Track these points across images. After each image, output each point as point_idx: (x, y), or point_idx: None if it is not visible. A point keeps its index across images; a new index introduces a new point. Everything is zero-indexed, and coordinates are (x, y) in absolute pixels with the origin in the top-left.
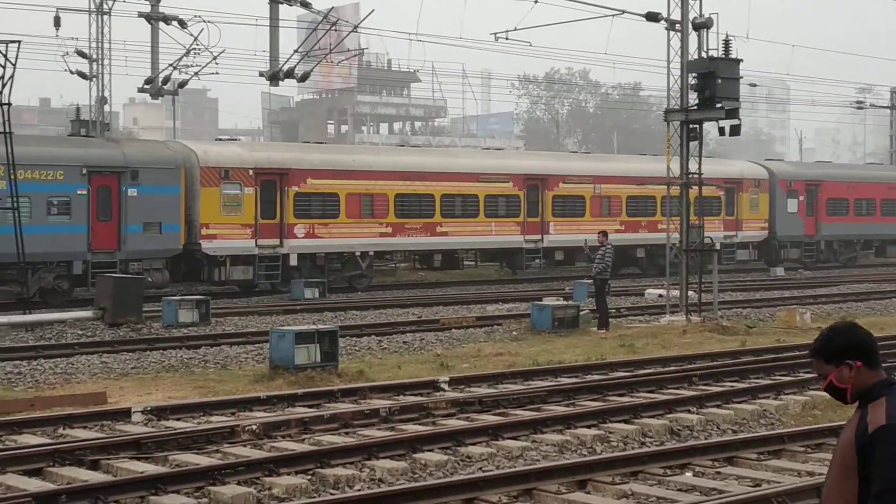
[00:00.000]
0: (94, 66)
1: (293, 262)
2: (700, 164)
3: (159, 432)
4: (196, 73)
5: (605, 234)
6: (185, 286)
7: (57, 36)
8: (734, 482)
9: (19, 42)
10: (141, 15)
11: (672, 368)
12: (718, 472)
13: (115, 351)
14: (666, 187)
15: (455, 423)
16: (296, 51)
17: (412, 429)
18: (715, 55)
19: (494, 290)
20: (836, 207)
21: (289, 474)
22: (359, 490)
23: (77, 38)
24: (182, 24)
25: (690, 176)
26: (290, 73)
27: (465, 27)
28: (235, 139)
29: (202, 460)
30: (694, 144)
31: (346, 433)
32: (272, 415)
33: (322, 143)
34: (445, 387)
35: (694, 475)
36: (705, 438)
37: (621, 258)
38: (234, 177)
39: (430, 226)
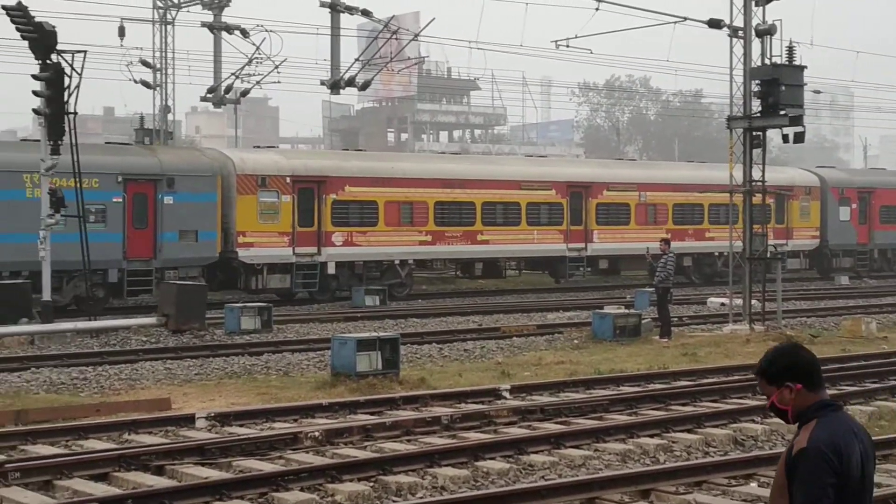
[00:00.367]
0: (158, 76)
1: (331, 270)
2: (763, 171)
3: (223, 438)
4: (258, 82)
5: (667, 242)
6: (221, 295)
7: (122, 46)
8: None
9: (85, 52)
10: (204, 25)
11: (735, 378)
12: None
13: (178, 357)
14: (714, 195)
15: (517, 432)
16: (357, 59)
17: (474, 437)
18: (778, 62)
19: (540, 299)
20: (890, 215)
21: (351, 481)
22: (421, 497)
23: (141, 48)
24: (244, 33)
25: (753, 184)
26: (350, 82)
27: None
28: (273, 147)
29: (265, 466)
30: (757, 152)
31: (408, 440)
32: (334, 421)
33: (362, 150)
34: (507, 395)
35: (759, 486)
36: (770, 448)
37: (652, 269)
38: (271, 184)
39: (470, 234)
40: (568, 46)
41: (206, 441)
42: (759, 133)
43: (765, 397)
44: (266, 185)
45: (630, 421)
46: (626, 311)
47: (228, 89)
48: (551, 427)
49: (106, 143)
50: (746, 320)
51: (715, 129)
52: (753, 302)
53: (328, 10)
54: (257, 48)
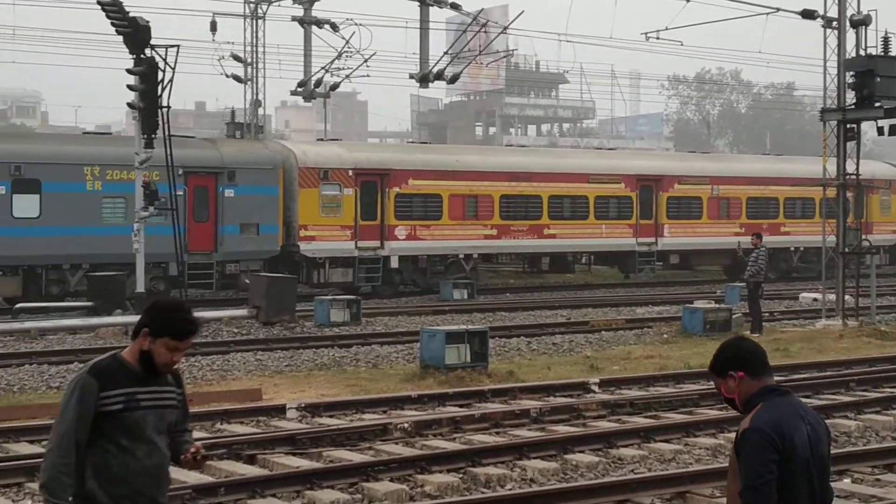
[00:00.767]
0: (249, 70)
1: (394, 264)
2: (857, 164)
3: (313, 429)
4: (347, 76)
5: (759, 236)
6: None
7: (213, 41)
8: (894, 490)
9: (178, 46)
10: (294, 19)
11: (828, 373)
12: (878, 480)
13: (269, 349)
14: (790, 188)
15: (606, 425)
16: (445, 53)
17: (563, 430)
18: (874, 52)
19: (629, 293)
20: None
21: (441, 472)
22: (510, 489)
23: (233, 43)
24: (334, 27)
25: (847, 177)
26: (439, 76)
27: (615, 27)
28: (336, 140)
29: (355, 457)
30: (851, 145)
31: (497, 433)
32: (423, 413)
33: (426, 143)
34: (596, 388)
35: (852, 482)
36: (864, 445)
37: (741, 262)
38: (334, 177)
39: (537, 228)
40: (658, 38)
41: (298, 431)
42: (853, 126)
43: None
44: (328, 178)
45: (721, 416)
46: (717, 305)
47: (318, 83)
48: (641, 421)
49: (171, 135)
50: (840, 316)
51: (807, 121)
52: (847, 297)
53: (417, 3)
54: (347, 42)
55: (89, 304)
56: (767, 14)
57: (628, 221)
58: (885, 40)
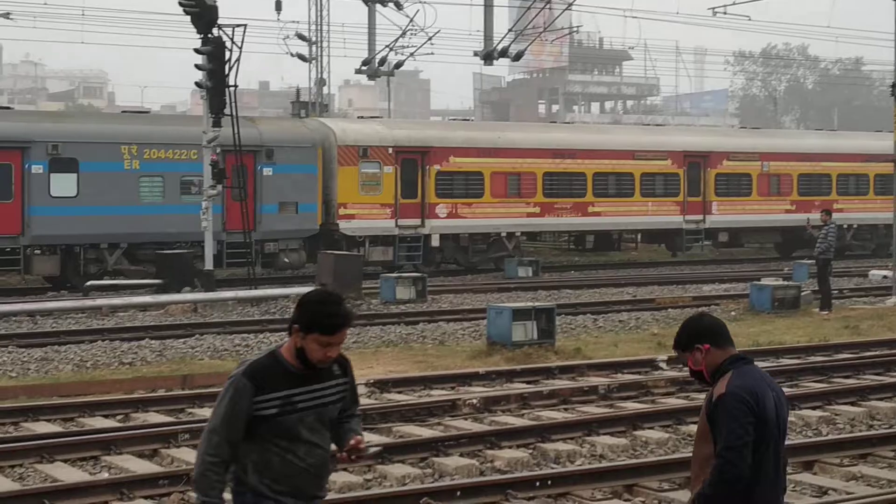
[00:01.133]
0: (314, 49)
1: (435, 242)
2: None
3: (383, 404)
4: (412, 54)
5: (828, 213)
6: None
7: (278, 20)
8: None
9: (245, 26)
10: None
11: None
12: None
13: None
14: (841, 164)
15: (675, 402)
16: (510, 30)
17: (631, 406)
18: None
19: (694, 272)
20: None
21: (510, 447)
22: (580, 465)
23: (297, 22)
24: (398, 5)
25: None
26: (503, 53)
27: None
28: (377, 118)
29: (425, 432)
30: None
31: (565, 409)
32: (491, 389)
33: (468, 119)
34: (664, 366)
35: None
36: None
37: (794, 240)
38: (373, 155)
39: (581, 205)
40: (725, 13)
41: (367, 407)
42: None
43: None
44: (367, 156)
45: (791, 392)
46: (785, 283)
47: (382, 62)
48: None
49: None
50: None
51: (876, 97)
52: None
53: None
54: (411, 20)
55: (158, 281)
56: None
57: (675, 199)
58: None
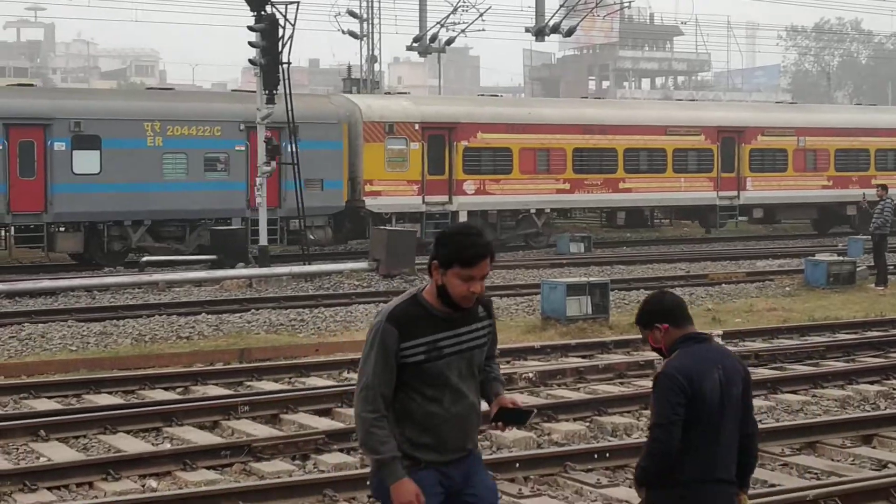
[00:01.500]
0: (365, 26)
1: (462, 219)
2: None
3: None
4: (463, 31)
5: (884, 188)
6: (349, 245)
7: None
8: None
9: (298, 2)
10: None
11: None
12: None
13: (389, 300)
14: (882, 140)
15: None
16: (561, 6)
17: None
18: None
19: (747, 247)
20: None
21: (567, 421)
22: (637, 438)
23: None
24: None
25: None
26: (555, 29)
27: None
28: (405, 93)
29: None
30: None
31: (621, 383)
32: (546, 364)
33: (497, 95)
34: (719, 340)
35: None
36: None
37: (830, 216)
38: (399, 131)
39: (611, 182)
40: None
41: None
42: None
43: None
44: (394, 132)
45: (848, 367)
46: (841, 258)
47: (433, 38)
48: (766, 372)
49: (232, 90)
50: None
51: None
52: None
53: None
54: None
55: (213, 257)
56: None
57: (709, 175)
58: None
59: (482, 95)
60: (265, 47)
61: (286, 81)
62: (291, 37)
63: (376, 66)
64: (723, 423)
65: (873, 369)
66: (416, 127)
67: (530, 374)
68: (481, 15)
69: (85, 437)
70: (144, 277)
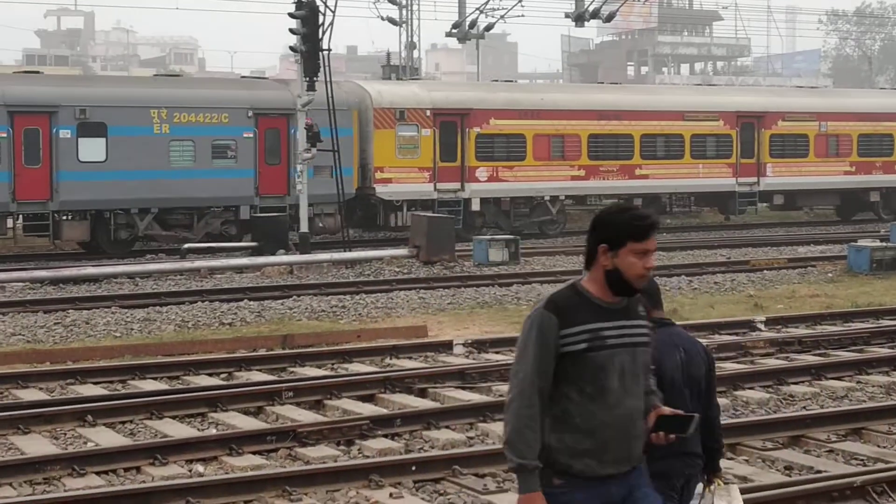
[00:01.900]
0: (404, 13)
1: (475, 206)
2: None
3: (480, 364)
4: (502, 17)
5: None
6: (359, 232)
7: None
8: None
9: None
10: None
11: None
12: None
13: (430, 287)
14: None
15: (775, 363)
16: None
17: (731, 367)
18: None
19: (789, 233)
20: None
21: None
22: None
23: None
24: None
25: None
26: (595, 14)
27: None
28: (417, 79)
29: None
30: None
31: None
32: None
33: (510, 80)
34: (762, 327)
35: None
36: None
37: (853, 202)
38: (410, 118)
39: (628, 168)
40: None
41: (466, 366)
42: None
43: None
44: (405, 119)
45: (893, 353)
46: (884, 244)
47: (472, 24)
48: (810, 359)
49: (242, 77)
50: None
51: None
52: None
53: None
54: None
55: (254, 244)
56: None
57: (728, 160)
58: None
59: (495, 81)
60: (305, 34)
61: (326, 68)
62: (332, 24)
63: (415, 53)
64: (685, 403)
65: None
66: (428, 113)
67: None
68: (520, 0)
69: (131, 422)
70: (186, 264)
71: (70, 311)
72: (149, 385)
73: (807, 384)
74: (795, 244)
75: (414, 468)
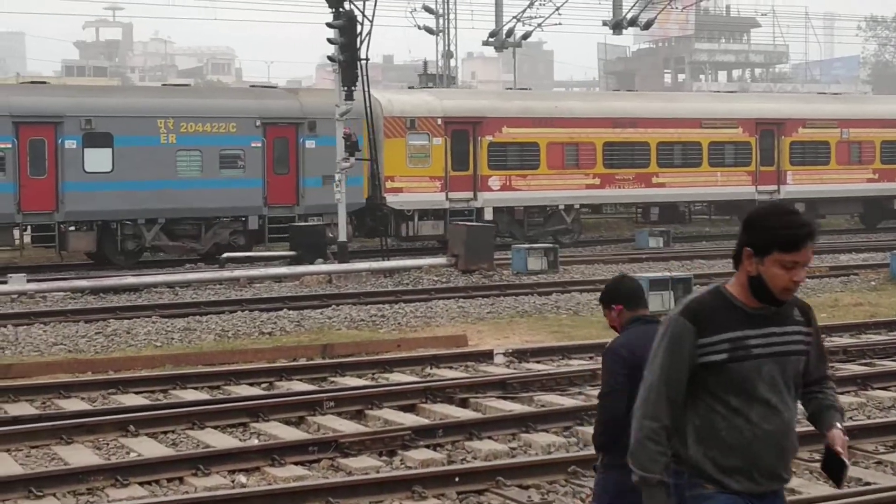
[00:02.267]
0: (440, 22)
1: (488, 216)
2: None
3: (522, 374)
4: (539, 25)
5: None
6: (370, 242)
7: None
8: None
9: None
10: None
11: None
12: None
13: (469, 296)
14: None
15: None
16: None
17: None
18: None
19: (829, 241)
20: None
21: None
22: None
23: None
24: None
25: None
26: (632, 22)
27: None
28: (426, 87)
29: (566, 401)
30: None
31: None
32: None
33: (526, 88)
34: None
35: None
36: None
37: (876, 209)
38: (421, 126)
39: (644, 176)
40: None
41: (507, 376)
42: None
43: None
44: (415, 128)
45: None
46: None
47: (510, 33)
48: (856, 368)
49: (251, 86)
50: None
51: None
52: None
53: None
54: None
55: (292, 253)
56: None
57: (747, 168)
58: None
59: (509, 89)
60: (343, 44)
61: (364, 78)
62: (370, 33)
63: (451, 62)
64: None
65: None
66: (439, 122)
67: None
68: (558, 9)
69: (173, 432)
70: (226, 274)
71: (111, 320)
72: (190, 395)
73: (853, 394)
74: (837, 252)
75: (457, 479)
